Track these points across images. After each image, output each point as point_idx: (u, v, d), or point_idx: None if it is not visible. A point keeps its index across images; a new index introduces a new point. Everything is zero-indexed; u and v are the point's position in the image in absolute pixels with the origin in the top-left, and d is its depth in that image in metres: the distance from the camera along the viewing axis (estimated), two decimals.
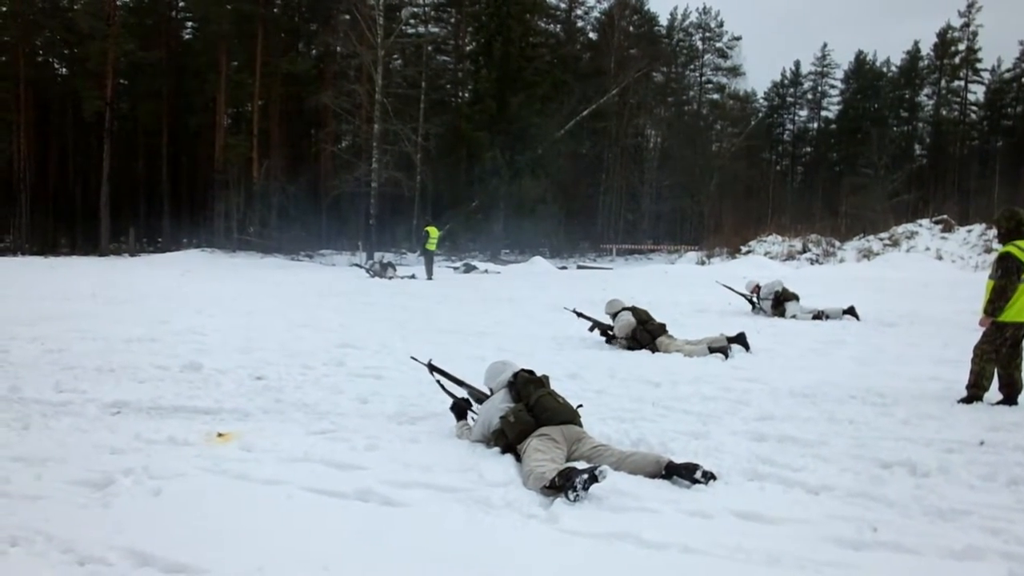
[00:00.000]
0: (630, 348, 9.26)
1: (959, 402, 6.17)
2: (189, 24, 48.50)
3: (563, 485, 3.88)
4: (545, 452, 4.35)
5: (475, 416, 5.13)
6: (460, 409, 5.30)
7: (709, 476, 4.14)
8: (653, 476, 4.20)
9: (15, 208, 41.13)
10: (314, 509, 3.81)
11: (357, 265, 28.86)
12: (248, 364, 7.80)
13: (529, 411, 4.67)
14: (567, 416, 4.69)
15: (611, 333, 9.68)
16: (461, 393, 5.48)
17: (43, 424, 5.31)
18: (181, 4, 47.66)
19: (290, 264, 33.93)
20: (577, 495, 3.83)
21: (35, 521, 3.54)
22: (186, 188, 47.86)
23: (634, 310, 9.54)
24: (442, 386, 5.61)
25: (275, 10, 42.74)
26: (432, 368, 5.68)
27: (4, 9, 42.17)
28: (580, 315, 10.32)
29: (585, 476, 3.84)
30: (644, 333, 9.25)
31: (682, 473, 4.15)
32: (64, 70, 47.05)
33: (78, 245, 41.92)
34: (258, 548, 3.30)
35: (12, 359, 7.89)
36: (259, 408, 5.89)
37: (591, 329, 9.95)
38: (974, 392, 6.19)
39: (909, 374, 7.50)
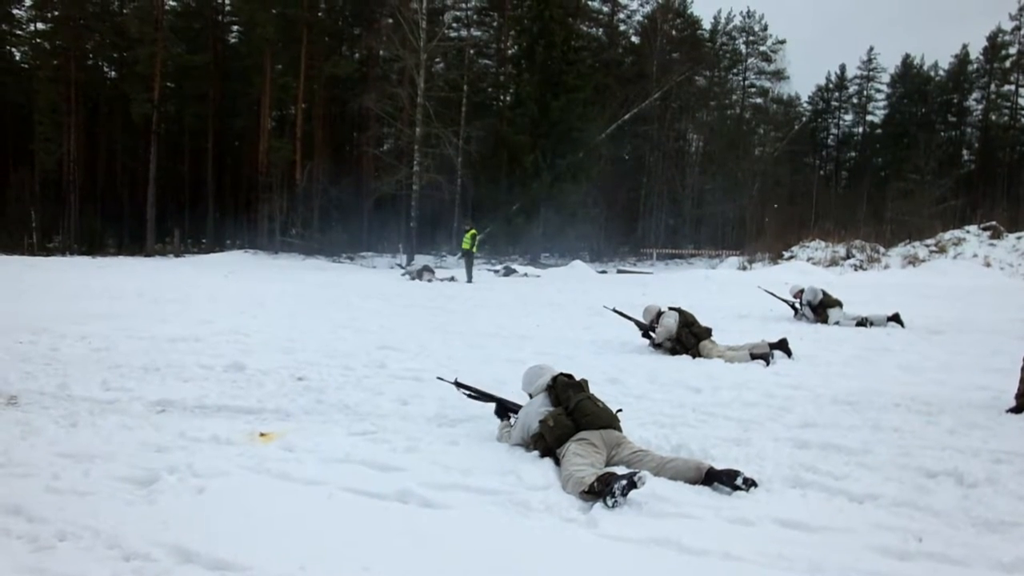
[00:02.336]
0: (673, 353, 9.18)
1: (1008, 412, 6.01)
2: (235, 28, 49.07)
3: (601, 491, 3.87)
4: (584, 456, 4.34)
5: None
6: (504, 409, 5.29)
7: (750, 483, 4.10)
8: (693, 482, 4.17)
9: (64, 208, 42.01)
10: (354, 510, 3.84)
11: (399, 266, 29.05)
12: (290, 365, 7.88)
13: (568, 415, 4.66)
14: (607, 420, 4.67)
15: (653, 335, 9.60)
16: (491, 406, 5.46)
17: (91, 421, 5.40)
18: (227, 8, 48.33)
19: (332, 266, 34.21)
20: (615, 501, 3.82)
21: (82, 516, 3.62)
22: (230, 190, 48.56)
23: (680, 311, 9.43)
24: (474, 398, 5.56)
25: (319, 14, 43.12)
26: (459, 385, 5.65)
27: (56, 14, 43.15)
28: (621, 314, 10.27)
29: (624, 482, 3.83)
30: (689, 336, 9.15)
31: (723, 480, 4.11)
32: (113, 73, 48.08)
33: (124, 245, 42.73)
34: (299, 547, 3.34)
35: (61, 357, 8.05)
36: (301, 408, 5.96)
37: (642, 329, 9.84)
38: (1023, 401, 6.05)
39: (956, 383, 7.34)
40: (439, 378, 6.03)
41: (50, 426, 5.25)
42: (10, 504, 3.74)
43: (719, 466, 4.28)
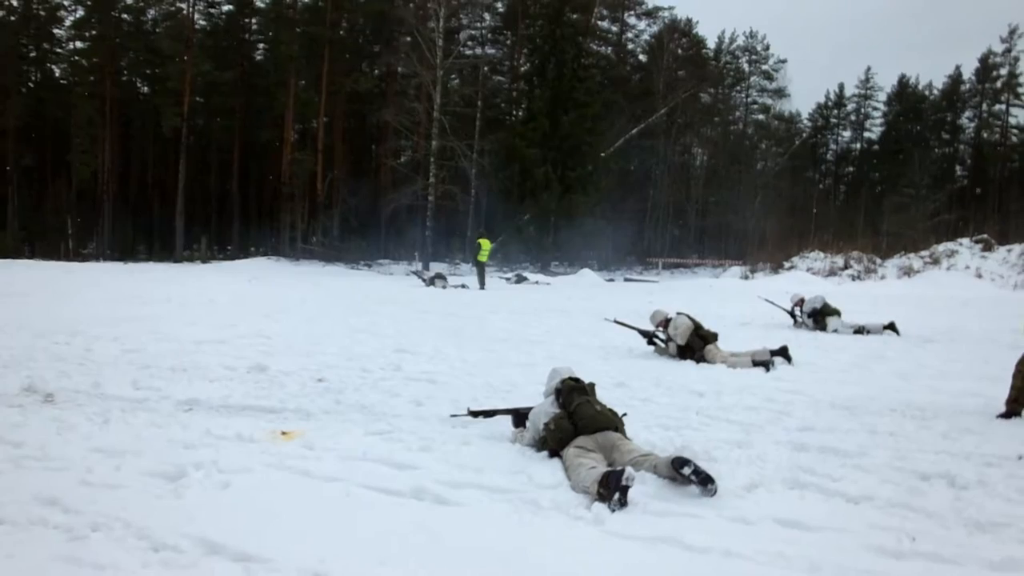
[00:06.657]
0: (681, 357, 9.31)
1: (998, 417, 6.13)
2: (261, 46, 49.81)
3: (603, 495, 3.92)
4: (585, 459, 4.42)
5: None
6: (521, 418, 5.35)
7: (703, 475, 4.08)
8: (673, 478, 4.18)
9: (99, 217, 42.80)
10: (371, 506, 3.93)
11: (415, 273, 29.25)
12: (310, 367, 8.04)
13: (569, 418, 4.75)
14: (603, 424, 4.72)
15: (658, 341, 9.71)
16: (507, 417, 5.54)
17: (122, 419, 5.53)
18: (254, 27, 49.04)
19: (350, 272, 34.48)
20: (614, 508, 3.87)
21: (114, 509, 3.72)
22: (255, 200, 49.38)
23: (688, 317, 9.56)
24: (490, 416, 5.65)
25: (341, 33, 43.70)
26: (473, 414, 5.73)
27: (94, 33, 43.99)
28: (622, 324, 10.35)
29: (617, 495, 3.88)
30: (697, 339, 9.26)
31: (685, 465, 4.09)
32: (146, 89, 48.93)
33: (155, 252, 43.48)
34: (319, 541, 3.43)
35: (95, 357, 8.23)
36: (320, 408, 6.07)
37: (645, 337, 9.96)
38: (1013, 407, 6.15)
39: (949, 389, 7.44)
40: (452, 415, 5.88)
41: (84, 423, 5.38)
42: (47, 496, 3.85)
43: (720, 467, 4.44)
